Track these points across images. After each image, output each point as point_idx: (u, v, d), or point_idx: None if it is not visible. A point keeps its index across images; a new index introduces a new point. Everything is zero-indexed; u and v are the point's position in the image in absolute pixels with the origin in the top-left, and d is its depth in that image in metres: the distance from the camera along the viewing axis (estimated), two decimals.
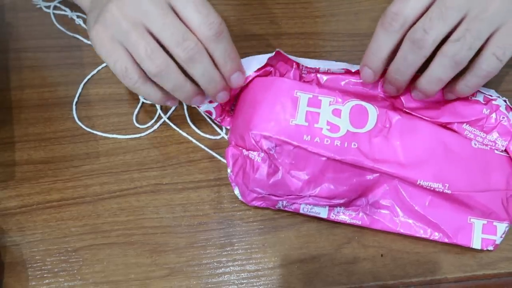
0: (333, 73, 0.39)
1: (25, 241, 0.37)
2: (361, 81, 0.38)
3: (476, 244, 0.36)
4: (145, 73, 0.34)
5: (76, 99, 0.42)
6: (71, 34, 0.45)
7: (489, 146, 0.36)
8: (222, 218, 0.38)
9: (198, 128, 0.41)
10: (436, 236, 0.36)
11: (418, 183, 0.35)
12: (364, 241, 0.37)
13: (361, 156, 0.35)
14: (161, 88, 0.35)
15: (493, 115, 0.36)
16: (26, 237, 0.37)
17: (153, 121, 0.41)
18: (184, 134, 0.40)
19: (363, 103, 0.36)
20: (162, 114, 0.41)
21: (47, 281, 0.36)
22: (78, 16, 0.46)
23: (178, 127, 0.41)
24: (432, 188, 0.35)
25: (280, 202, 0.36)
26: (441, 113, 0.37)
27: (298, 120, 0.35)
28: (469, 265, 0.36)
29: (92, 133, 0.41)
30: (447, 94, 0.37)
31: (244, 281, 0.36)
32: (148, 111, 0.42)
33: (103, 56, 0.34)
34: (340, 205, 0.36)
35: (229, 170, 0.38)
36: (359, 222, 0.37)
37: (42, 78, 0.43)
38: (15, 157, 0.40)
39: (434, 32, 0.32)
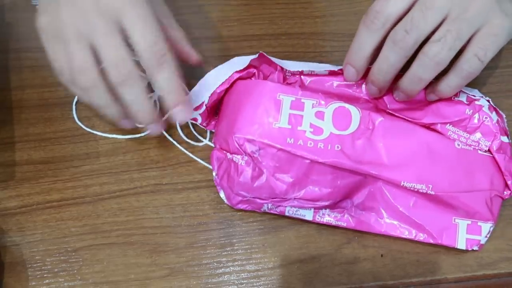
0: (317, 75, 0.39)
1: (25, 241, 0.37)
2: (344, 82, 0.38)
3: (461, 245, 0.36)
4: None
5: (76, 99, 0.42)
6: None
7: (472, 146, 0.36)
8: (222, 218, 0.38)
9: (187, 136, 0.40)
10: (421, 237, 0.36)
11: (402, 184, 0.35)
12: (364, 241, 0.37)
13: (344, 158, 0.35)
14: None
15: (476, 115, 0.36)
16: (26, 237, 0.37)
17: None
18: (174, 141, 0.40)
19: (346, 105, 0.36)
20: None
21: (47, 281, 0.36)
22: None
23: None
24: (416, 189, 0.35)
25: (265, 205, 0.36)
26: (424, 114, 0.37)
27: (281, 123, 0.35)
28: (469, 265, 0.36)
29: (92, 133, 0.41)
30: (429, 95, 0.37)
31: (244, 281, 0.36)
32: None
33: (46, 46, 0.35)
34: (325, 207, 0.36)
35: (214, 174, 0.38)
36: (344, 224, 0.37)
37: (43, 78, 0.43)
38: (15, 157, 0.40)
39: (415, 32, 0.32)
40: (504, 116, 0.38)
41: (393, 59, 0.34)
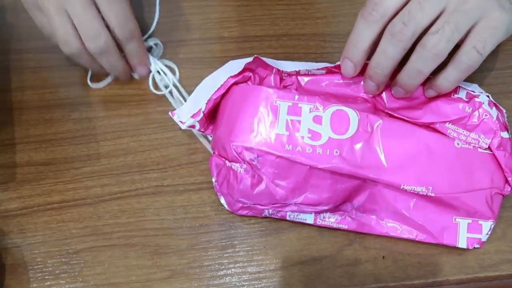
0: (314, 74, 0.38)
1: (26, 243, 0.37)
2: (342, 81, 0.38)
3: (462, 244, 0.36)
4: None
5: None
6: None
7: (472, 144, 0.36)
8: (224, 220, 0.38)
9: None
10: (422, 237, 0.36)
11: (401, 187, 0.35)
12: (365, 243, 0.37)
13: (343, 163, 0.35)
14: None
15: (476, 113, 0.36)
16: (27, 239, 0.37)
17: (154, 124, 0.41)
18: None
19: (344, 108, 0.36)
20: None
21: (48, 283, 0.36)
22: None
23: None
24: (416, 192, 0.35)
25: (266, 210, 0.36)
26: (423, 113, 0.37)
27: (278, 130, 0.35)
28: (470, 267, 0.36)
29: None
30: (428, 90, 0.36)
31: (246, 283, 0.36)
32: (151, 113, 0.41)
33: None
34: (325, 211, 0.36)
35: (213, 180, 0.38)
36: (345, 227, 0.37)
37: (43, 80, 0.43)
38: (15, 159, 0.40)
39: (413, 24, 0.32)
40: (505, 111, 0.38)
41: (391, 52, 0.34)
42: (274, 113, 0.35)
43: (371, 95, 0.38)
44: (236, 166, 0.36)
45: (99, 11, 0.37)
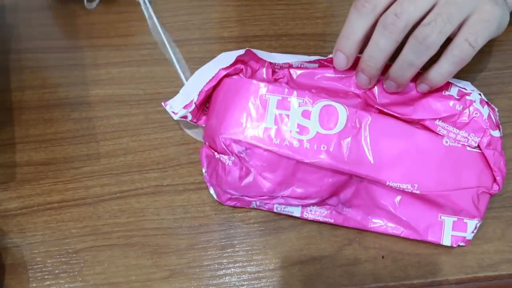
0: (306, 68, 0.39)
1: (26, 243, 0.37)
2: (334, 75, 0.38)
3: (446, 241, 0.36)
4: None
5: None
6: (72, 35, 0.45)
7: (461, 142, 0.36)
8: (223, 219, 0.38)
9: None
10: (407, 233, 0.36)
11: (387, 184, 0.35)
12: (365, 242, 0.37)
13: (330, 158, 0.35)
14: None
15: (466, 111, 0.36)
16: (27, 239, 0.37)
17: (154, 124, 0.41)
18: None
19: (333, 103, 0.36)
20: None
21: (48, 282, 0.36)
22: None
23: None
24: (401, 189, 0.35)
25: (254, 202, 0.37)
26: (414, 110, 0.37)
27: (267, 123, 0.35)
28: (470, 267, 0.36)
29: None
30: (420, 85, 0.36)
31: (245, 283, 0.36)
32: (151, 112, 0.41)
33: None
34: (312, 204, 0.37)
35: (204, 171, 0.38)
36: (331, 221, 0.37)
37: (43, 79, 0.43)
38: (15, 159, 0.40)
39: (405, 16, 0.32)
40: (497, 109, 0.38)
41: (383, 44, 0.34)
42: (264, 106, 0.36)
43: (362, 89, 0.38)
44: (224, 158, 0.36)
45: None
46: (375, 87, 0.38)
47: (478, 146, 0.36)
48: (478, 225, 0.36)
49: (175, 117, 0.37)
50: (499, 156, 0.36)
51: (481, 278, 0.36)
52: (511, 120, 0.41)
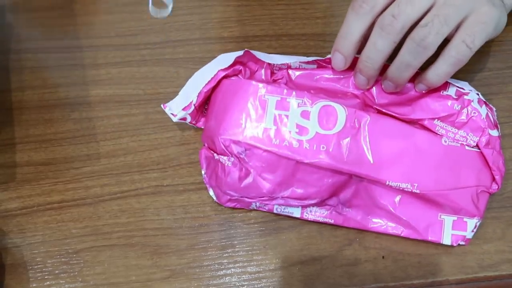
0: (304, 69, 0.39)
1: (26, 243, 0.37)
2: (333, 76, 0.38)
3: (446, 240, 0.36)
4: None
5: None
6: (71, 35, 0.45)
7: (460, 142, 0.36)
8: (223, 219, 0.38)
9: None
10: (407, 233, 0.36)
11: (387, 183, 0.35)
12: (365, 242, 0.37)
13: (329, 158, 0.35)
14: None
15: (464, 110, 0.36)
16: (27, 239, 0.37)
17: (154, 124, 0.41)
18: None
19: (332, 103, 0.36)
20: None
21: (48, 283, 0.36)
22: None
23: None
24: (401, 188, 0.35)
25: (254, 203, 0.37)
26: (412, 110, 0.37)
27: (266, 124, 0.35)
28: (470, 267, 0.36)
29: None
30: (418, 85, 0.37)
31: (245, 283, 0.36)
32: (151, 113, 0.41)
33: None
34: (312, 205, 0.37)
35: (203, 172, 0.38)
36: (331, 221, 0.37)
37: (43, 79, 0.43)
38: (15, 159, 0.40)
39: (403, 17, 0.33)
40: (495, 109, 0.38)
41: (381, 45, 0.34)
42: (263, 107, 0.36)
43: (361, 90, 0.38)
44: (224, 159, 0.36)
45: None
46: (374, 87, 0.38)
47: (477, 146, 0.36)
48: (478, 224, 0.36)
49: (174, 119, 0.37)
50: (498, 156, 0.36)
51: (481, 278, 0.36)
52: (511, 120, 0.41)
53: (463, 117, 0.36)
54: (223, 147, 0.36)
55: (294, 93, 0.36)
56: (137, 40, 0.44)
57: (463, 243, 0.36)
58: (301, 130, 0.35)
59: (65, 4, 0.46)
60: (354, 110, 0.36)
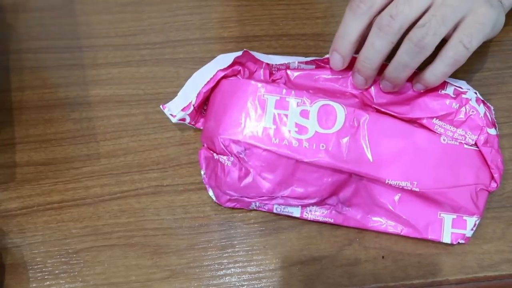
0: (303, 69, 0.39)
1: (26, 243, 0.37)
2: (331, 76, 0.38)
3: (446, 239, 0.36)
4: None
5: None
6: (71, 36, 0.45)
7: (458, 140, 0.36)
8: (223, 219, 0.38)
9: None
10: (407, 232, 0.36)
11: (386, 182, 0.35)
12: (365, 242, 0.37)
13: (329, 157, 0.35)
14: None
15: (463, 109, 0.36)
16: (27, 239, 0.37)
17: (154, 124, 0.41)
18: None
19: (331, 102, 0.36)
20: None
21: (48, 283, 0.36)
22: None
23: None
24: (400, 187, 0.35)
25: (253, 203, 0.37)
26: (411, 109, 0.37)
27: (266, 123, 0.35)
28: (470, 267, 0.36)
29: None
30: (416, 84, 0.37)
31: (245, 283, 0.36)
32: (151, 113, 0.41)
33: None
34: (312, 204, 0.37)
35: (202, 173, 0.38)
36: (331, 220, 0.37)
37: (43, 79, 0.43)
38: (15, 159, 0.40)
39: (400, 18, 0.33)
40: (492, 108, 0.38)
41: (379, 45, 0.34)
42: (262, 107, 0.36)
43: (359, 90, 0.38)
44: (223, 158, 0.36)
45: None
46: (372, 87, 0.38)
47: (475, 144, 0.36)
48: (477, 222, 0.36)
49: (174, 120, 0.37)
50: (496, 154, 0.36)
51: (481, 278, 0.36)
52: (511, 120, 0.41)
53: (461, 115, 0.36)
54: (222, 146, 0.36)
55: (293, 92, 0.36)
56: (137, 40, 0.44)
57: (462, 241, 0.36)
58: (300, 129, 0.35)
59: (65, 4, 0.46)
60: (353, 109, 0.36)
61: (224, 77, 0.37)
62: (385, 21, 0.33)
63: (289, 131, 0.35)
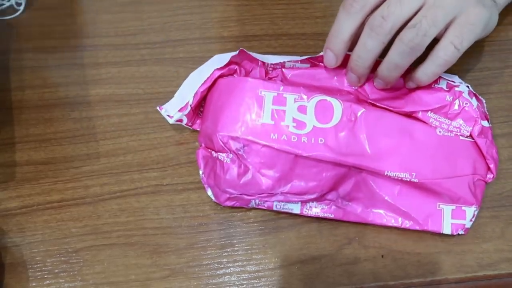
0: (299, 68, 0.39)
1: (26, 242, 0.37)
2: (326, 74, 0.38)
3: (446, 230, 0.36)
4: None
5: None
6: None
7: (454, 132, 0.37)
8: (223, 219, 0.38)
9: None
10: (407, 224, 0.36)
11: (385, 173, 0.35)
12: (364, 241, 0.37)
13: (328, 151, 0.35)
14: None
15: (456, 101, 0.37)
16: (27, 238, 0.37)
17: (154, 123, 0.41)
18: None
19: (328, 98, 0.36)
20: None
21: (47, 282, 0.36)
22: None
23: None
24: (399, 178, 0.35)
25: (253, 201, 0.37)
26: (405, 103, 0.37)
27: (264, 119, 0.35)
28: (469, 266, 0.36)
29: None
30: (408, 82, 0.37)
31: (245, 282, 0.36)
32: (150, 112, 0.42)
33: None
34: (312, 200, 0.37)
35: (200, 172, 0.38)
36: (331, 215, 0.37)
37: (43, 79, 0.43)
38: (15, 158, 0.40)
39: (392, 19, 0.33)
40: (484, 101, 0.38)
41: (371, 45, 0.34)
42: (260, 103, 0.36)
43: (353, 87, 0.38)
44: (222, 156, 0.36)
45: None
46: (366, 84, 0.38)
47: (471, 136, 0.37)
48: (476, 212, 0.36)
49: (171, 121, 0.38)
50: (491, 145, 0.37)
51: (481, 277, 0.36)
52: (511, 120, 0.41)
53: (455, 107, 0.37)
54: (221, 143, 0.36)
55: (290, 88, 0.36)
56: (136, 40, 0.44)
57: (462, 232, 0.36)
58: (298, 124, 0.35)
59: (65, 4, 0.47)
60: (350, 104, 0.36)
61: (220, 76, 0.38)
62: (377, 22, 0.33)
63: (288, 126, 0.35)
